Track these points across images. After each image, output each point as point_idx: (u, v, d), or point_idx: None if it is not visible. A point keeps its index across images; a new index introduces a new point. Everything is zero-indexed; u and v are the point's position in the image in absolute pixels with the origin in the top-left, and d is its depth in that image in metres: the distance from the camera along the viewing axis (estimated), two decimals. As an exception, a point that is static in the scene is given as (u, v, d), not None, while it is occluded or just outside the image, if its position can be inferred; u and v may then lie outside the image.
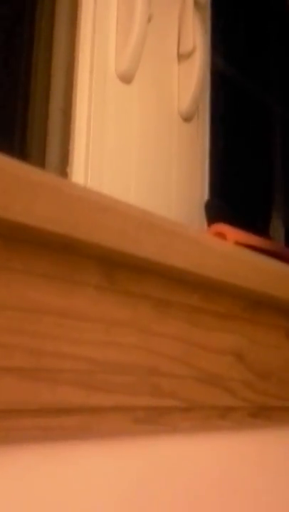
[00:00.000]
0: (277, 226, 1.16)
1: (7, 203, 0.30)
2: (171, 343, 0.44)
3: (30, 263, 0.35)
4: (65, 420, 0.37)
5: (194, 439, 0.46)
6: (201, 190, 0.85)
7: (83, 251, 0.37)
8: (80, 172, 0.69)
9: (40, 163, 0.70)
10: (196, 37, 0.86)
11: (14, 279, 0.34)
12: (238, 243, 0.69)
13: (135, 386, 0.41)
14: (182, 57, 0.86)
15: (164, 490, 0.44)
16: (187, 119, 0.85)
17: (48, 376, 0.36)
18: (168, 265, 0.39)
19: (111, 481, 0.40)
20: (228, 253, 0.44)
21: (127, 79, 0.77)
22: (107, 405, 0.39)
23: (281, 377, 0.55)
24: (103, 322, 0.39)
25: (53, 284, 0.36)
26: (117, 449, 0.40)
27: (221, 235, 0.71)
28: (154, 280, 0.42)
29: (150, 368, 0.42)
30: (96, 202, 0.34)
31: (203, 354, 0.47)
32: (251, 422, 0.52)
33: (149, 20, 0.78)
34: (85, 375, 0.38)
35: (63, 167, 0.69)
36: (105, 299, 0.39)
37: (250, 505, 0.51)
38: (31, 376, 0.35)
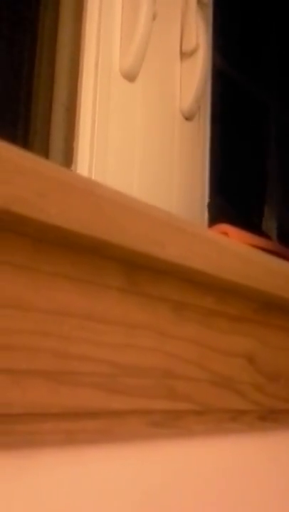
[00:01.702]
0: (269, 222, 1.16)
1: (43, 205, 0.29)
2: (187, 345, 0.44)
3: (57, 265, 0.34)
4: (87, 424, 0.36)
5: (208, 443, 0.46)
6: (202, 190, 0.85)
7: (108, 253, 0.36)
8: (83, 170, 0.68)
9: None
10: (199, 35, 0.86)
11: (42, 281, 0.34)
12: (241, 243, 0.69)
13: (152, 389, 0.41)
14: (185, 55, 0.86)
15: (179, 493, 0.44)
16: (189, 117, 0.85)
17: (71, 379, 0.35)
18: (189, 268, 0.39)
19: (129, 485, 0.40)
20: (245, 255, 0.44)
21: (130, 77, 0.76)
22: (127, 408, 0.39)
23: None
24: (124, 325, 0.39)
25: (78, 286, 0.36)
26: (135, 453, 0.40)
27: (224, 235, 0.71)
28: (173, 282, 0.42)
29: (166, 370, 0.42)
30: (126, 204, 0.34)
31: (216, 357, 0.47)
32: (260, 425, 0.52)
33: (154, 18, 0.77)
34: (106, 378, 0.37)
35: (67, 165, 0.69)
36: (127, 301, 0.39)
37: (260, 508, 0.51)
38: (55, 379, 0.34)
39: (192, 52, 0.86)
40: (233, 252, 0.43)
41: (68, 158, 0.69)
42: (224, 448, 0.48)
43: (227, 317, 0.48)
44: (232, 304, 0.48)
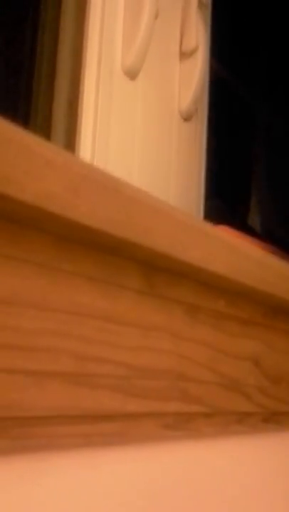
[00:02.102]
0: (254, 220, 1.17)
1: (75, 202, 0.29)
2: (199, 348, 0.44)
3: (78, 264, 0.34)
4: (104, 426, 0.36)
5: (215, 445, 0.46)
6: (198, 190, 0.85)
7: (130, 254, 0.36)
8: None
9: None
10: (199, 35, 0.86)
11: (63, 281, 0.33)
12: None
13: (166, 391, 0.40)
14: (184, 55, 0.86)
15: (188, 493, 0.43)
16: (187, 118, 0.85)
17: (89, 381, 0.35)
18: (211, 271, 0.38)
19: (143, 487, 0.39)
20: (261, 259, 0.44)
21: (132, 74, 0.76)
22: (142, 411, 0.38)
23: (290, 382, 0.55)
24: (140, 327, 0.38)
25: (99, 287, 0.35)
26: (148, 455, 0.40)
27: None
28: (189, 285, 0.41)
29: (179, 373, 0.42)
30: (152, 205, 0.33)
31: (226, 359, 0.47)
32: (263, 427, 0.52)
33: (156, 16, 0.77)
34: (122, 381, 0.37)
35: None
36: (144, 303, 0.38)
37: (264, 509, 0.51)
38: (74, 381, 0.34)
39: (191, 53, 0.86)
40: (250, 255, 0.43)
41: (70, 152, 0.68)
42: (230, 450, 0.48)
43: (237, 320, 0.48)
44: (243, 308, 0.48)
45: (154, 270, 0.38)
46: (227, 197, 1.04)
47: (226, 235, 0.40)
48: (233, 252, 0.40)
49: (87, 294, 0.35)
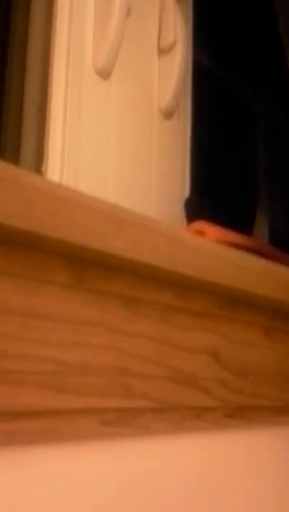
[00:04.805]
0: (261, 223, 1.15)
1: None
2: (143, 342, 0.43)
3: (-10, 260, 0.33)
4: (30, 424, 0.35)
5: (169, 441, 0.45)
6: (182, 188, 0.84)
7: (47, 247, 0.35)
8: (55, 170, 0.67)
9: (15, 161, 0.69)
10: (177, 30, 0.85)
11: (-27, 277, 0.33)
12: (219, 241, 0.68)
13: (105, 387, 0.40)
14: (162, 51, 0.85)
15: (135, 494, 0.42)
16: (167, 115, 0.84)
17: (11, 378, 0.34)
18: (138, 262, 0.38)
19: (82, 487, 0.38)
20: (203, 248, 0.43)
21: (104, 74, 0.75)
22: (76, 407, 0.38)
23: (258, 375, 0.54)
24: (71, 322, 0.38)
25: (17, 283, 0.35)
26: (86, 453, 0.39)
27: (201, 233, 0.70)
28: (125, 278, 0.41)
29: (121, 368, 0.41)
30: (57, 194, 0.32)
31: (177, 353, 0.45)
32: (227, 423, 0.50)
33: (128, 13, 0.76)
34: (52, 377, 0.36)
35: (38, 165, 0.68)
36: (73, 298, 0.38)
37: (227, 509, 0.50)
38: (-7, 378, 0.33)
39: (170, 48, 0.85)
40: (187, 244, 0.42)
41: (40, 158, 0.68)
42: (188, 446, 0.47)
43: (189, 313, 0.47)
44: (194, 300, 0.47)
45: (81, 264, 0.38)
46: (225, 197, 1.03)
47: (158, 224, 0.39)
48: (162, 241, 0.39)
49: (5, 290, 0.34)
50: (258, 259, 0.51)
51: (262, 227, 1.15)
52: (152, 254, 0.38)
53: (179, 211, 0.82)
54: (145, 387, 0.42)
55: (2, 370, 0.34)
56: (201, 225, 0.71)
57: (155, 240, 0.38)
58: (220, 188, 1.03)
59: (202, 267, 0.43)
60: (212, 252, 0.44)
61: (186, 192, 0.85)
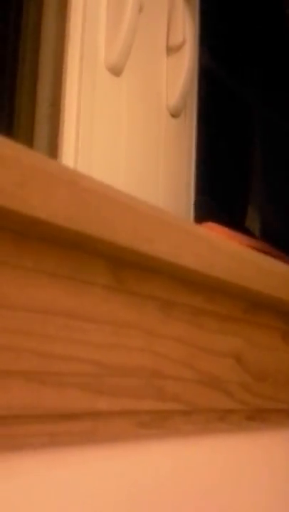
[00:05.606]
0: (253, 219, 1.16)
1: (24, 196, 0.28)
2: (175, 345, 0.43)
3: (40, 261, 0.33)
4: (71, 425, 0.35)
5: (197, 443, 0.45)
6: (188, 187, 0.84)
7: (93, 248, 0.35)
8: (68, 166, 0.67)
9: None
10: (186, 29, 0.85)
11: (25, 278, 0.32)
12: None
13: (140, 389, 0.39)
14: (171, 50, 0.85)
15: (167, 493, 0.42)
16: (175, 114, 0.84)
17: (55, 380, 0.34)
18: (180, 265, 0.38)
19: (117, 487, 0.38)
20: (237, 253, 0.43)
21: (116, 71, 0.75)
22: (114, 409, 0.37)
23: (276, 379, 0.54)
24: (110, 323, 0.37)
25: (62, 284, 0.34)
26: (122, 454, 0.39)
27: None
28: (161, 280, 0.41)
29: (154, 370, 0.41)
30: (113, 197, 0.32)
31: (205, 356, 0.46)
32: (248, 425, 0.51)
33: (140, 10, 0.76)
34: (92, 379, 0.36)
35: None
36: (113, 300, 0.37)
37: (249, 508, 0.50)
38: (38, 380, 0.33)
39: (179, 47, 0.85)
40: (225, 249, 0.42)
41: (52, 154, 0.67)
42: (213, 448, 0.47)
43: (216, 316, 0.47)
44: (221, 303, 0.47)
45: (122, 265, 0.38)
46: (221, 195, 1.03)
47: (197, 228, 0.39)
48: (204, 246, 0.39)
49: (50, 291, 0.34)
50: (281, 264, 0.51)
51: (253, 225, 1.16)
52: (194, 258, 0.38)
53: (185, 210, 0.82)
54: (176, 389, 0.42)
55: (48, 371, 0.33)
56: (211, 226, 0.71)
57: (197, 245, 0.38)
58: (219, 188, 1.04)
59: (235, 271, 0.43)
60: (245, 257, 0.44)
61: (192, 191, 0.85)
